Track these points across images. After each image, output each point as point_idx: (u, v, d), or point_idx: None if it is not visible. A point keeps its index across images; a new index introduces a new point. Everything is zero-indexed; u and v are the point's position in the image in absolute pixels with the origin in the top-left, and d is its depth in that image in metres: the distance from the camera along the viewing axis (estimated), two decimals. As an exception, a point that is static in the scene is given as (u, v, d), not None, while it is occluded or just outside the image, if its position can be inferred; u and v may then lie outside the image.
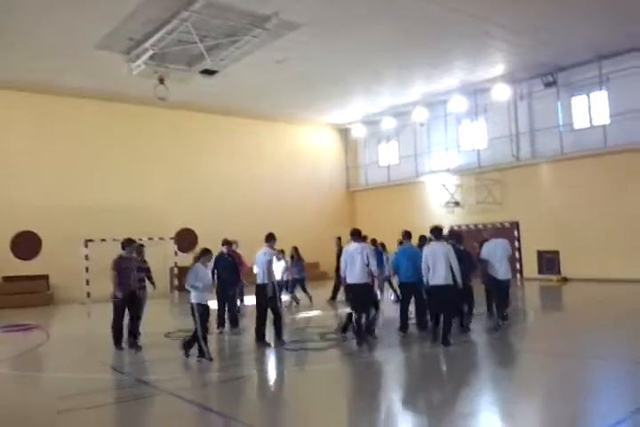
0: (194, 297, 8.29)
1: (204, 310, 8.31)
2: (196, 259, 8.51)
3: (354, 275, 8.86)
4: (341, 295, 15.05)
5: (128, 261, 9.57)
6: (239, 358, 8.87)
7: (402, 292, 10.24)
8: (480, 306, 10.82)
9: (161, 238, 19.18)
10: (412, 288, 9.65)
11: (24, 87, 18.44)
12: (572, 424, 5.32)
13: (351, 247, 9.02)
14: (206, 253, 8.67)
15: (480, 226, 21.01)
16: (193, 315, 8.27)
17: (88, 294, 17.56)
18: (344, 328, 9.68)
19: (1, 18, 13.40)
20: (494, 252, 10.33)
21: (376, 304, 9.39)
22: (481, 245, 10.91)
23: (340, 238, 16.46)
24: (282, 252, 13.69)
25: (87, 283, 17.61)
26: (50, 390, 7.21)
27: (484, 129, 22.06)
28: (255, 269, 9.76)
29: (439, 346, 8.66)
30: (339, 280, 15.41)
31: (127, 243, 9.70)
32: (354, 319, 8.98)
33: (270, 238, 9.76)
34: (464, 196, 21.93)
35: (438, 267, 8.73)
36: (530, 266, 20.33)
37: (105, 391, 6.96)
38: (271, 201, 23.87)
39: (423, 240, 10.70)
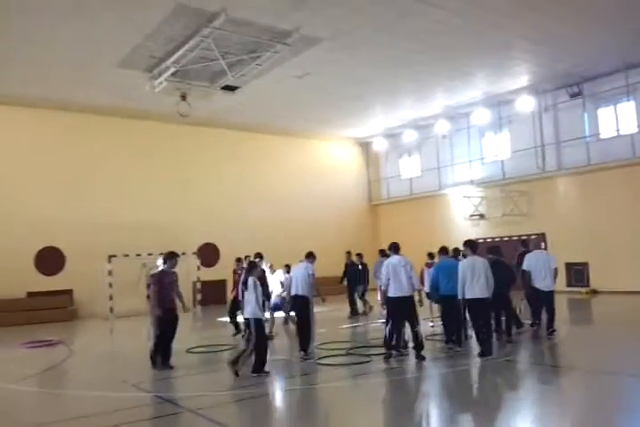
0: (252, 313, 8.17)
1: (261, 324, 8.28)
2: (249, 272, 8.38)
3: (401, 288, 8.76)
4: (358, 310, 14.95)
5: (170, 275, 9.19)
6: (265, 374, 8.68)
7: (442, 305, 10.12)
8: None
9: (183, 253, 19.12)
10: (452, 302, 9.45)
11: (45, 104, 18.68)
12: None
13: (394, 260, 8.94)
14: (256, 266, 8.64)
15: (505, 238, 20.64)
16: (255, 329, 8.20)
17: (111, 310, 17.60)
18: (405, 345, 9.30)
19: (24, 36, 13.66)
20: (535, 263, 10.25)
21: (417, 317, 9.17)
22: (520, 256, 10.80)
23: (349, 252, 16.34)
24: (271, 266, 13.21)
25: (110, 298, 17.66)
26: (69, 408, 7.10)
27: (508, 141, 21.78)
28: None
29: (476, 359, 8.48)
30: (352, 295, 15.35)
31: (170, 256, 9.18)
32: (387, 332, 8.85)
33: (309, 255, 10.33)
34: (489, 208, 21.58)
35: (476, 281, 8.77)
36: (558, 278, 19.75)
37: (126, 410, 6.78)
38: (293, 216, 23.83)
39: (458, 252, 10.55)
